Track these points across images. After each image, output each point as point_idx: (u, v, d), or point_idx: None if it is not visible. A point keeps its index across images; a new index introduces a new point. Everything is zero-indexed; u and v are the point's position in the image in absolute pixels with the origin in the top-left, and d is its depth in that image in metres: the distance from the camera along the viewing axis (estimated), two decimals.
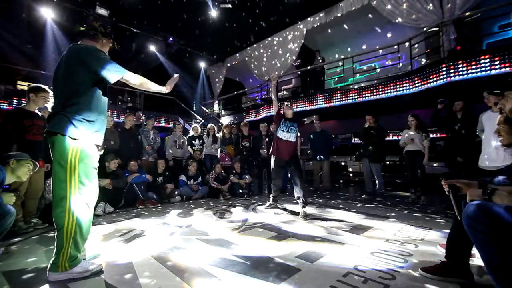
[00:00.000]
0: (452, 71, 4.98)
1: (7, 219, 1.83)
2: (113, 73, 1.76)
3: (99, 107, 1.81)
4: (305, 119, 4.03)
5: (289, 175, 5.66)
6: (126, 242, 2.38)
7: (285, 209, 3.89)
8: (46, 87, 2.95)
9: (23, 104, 3.01)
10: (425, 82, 5.47)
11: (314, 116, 4.13)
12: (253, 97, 11.69)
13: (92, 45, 1.85)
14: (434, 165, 5.82)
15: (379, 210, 3.71)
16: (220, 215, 3.52)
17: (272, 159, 3.88)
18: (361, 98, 6.75)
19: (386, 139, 5.42)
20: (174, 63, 11.59)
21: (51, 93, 3.04)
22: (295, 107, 8.04)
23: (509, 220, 1.16)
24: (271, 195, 4.06)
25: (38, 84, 2.96)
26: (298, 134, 3.94)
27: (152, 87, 1.95)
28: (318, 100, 7.66)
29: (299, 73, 9.70)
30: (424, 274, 1.65)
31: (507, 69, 4.45)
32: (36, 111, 2.98)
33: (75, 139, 1.67)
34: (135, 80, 1.85)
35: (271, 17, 8.76)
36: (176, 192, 4.76)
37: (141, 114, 6.33)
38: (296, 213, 3.51)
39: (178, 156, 5.50)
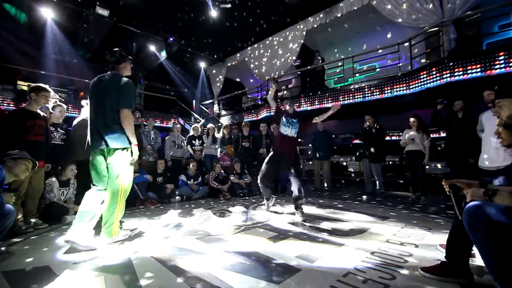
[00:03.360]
0: (452, 71, 4.98)
1: (8, 219, 1.82)
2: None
3: None
4: (317, 118, 3.79)
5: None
6: (126, 242, 2.38)
7: (285, 209, 3.89)
8: (47, 86, 2.95)
9: (25, 105, 2.99)
10: (425, 82, 5.47)
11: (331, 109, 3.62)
12: (253, 97, 11.69)
13: (121, 74, 2.46)
14: (438, 166, 5.82)
15: (379, 210, 3.71)
16: (220, 215, 3.52)
17: (269, 155, 3.72)
18: (361, 98, 6.75)
19: (386, 139, 5.41)
20: (174, 63, 11.60)
21: (52, 92, 3.04)
22: (296, 107, 8.03)
23: (508, 220, 1.16)
24: (264, 197, 3.87)
25: (38, 84, 2.95)
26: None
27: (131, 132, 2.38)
28: (318, 100, 7.66)
29: (299, 73, 9.70)
30: (424, 274, 1.65)
31: (507, 69, 4.45)
32: (38, 110, 2.98)
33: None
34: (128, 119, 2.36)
35: (271, 17, 8.75)
36: (176, 192, 4.76)
37: (140, 115, 6.31)
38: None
39: (178, 156, 5.50)
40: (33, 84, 2.98)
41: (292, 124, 3.59)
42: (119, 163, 2.32)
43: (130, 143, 2.38)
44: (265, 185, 3.72)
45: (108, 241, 2.29)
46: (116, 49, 2.48)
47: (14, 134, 2.77)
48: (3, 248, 2.12)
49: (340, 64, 8.27)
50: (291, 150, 3.57)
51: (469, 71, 4.81)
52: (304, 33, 8.68)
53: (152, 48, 10.42)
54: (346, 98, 7.05)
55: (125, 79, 2.40)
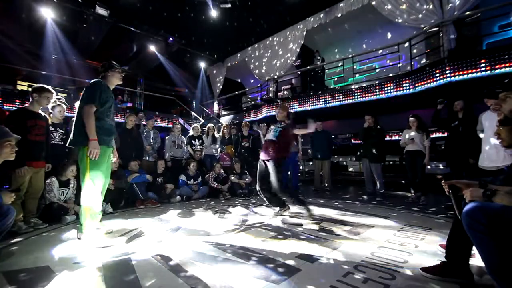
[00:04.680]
0: (452, 71, 4.98)
1: (8, 219, 1.82)
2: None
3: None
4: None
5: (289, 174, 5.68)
6: (126, 242, 2.38)
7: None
8: (49, 87, 2.95)
9: (26, 104, 2.99)
10: (425, 82, 5.47)
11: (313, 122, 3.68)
12: (253, 97, 11.69)
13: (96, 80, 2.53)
14: (440, 166, 5.82)
15: (379, 210, 3.71)
16: (220, 215, 3.52)
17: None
18: (361, 98, 6.75)
19: (386, 139, 5.41)
20: (174, 63, 11.60)
21: (54, 93, 3.04)
22: (295, 108, 8.04)
23: (508, 220, 1.16)
24: (278, 207, 3.49)
25: (41, 84, 2.94)
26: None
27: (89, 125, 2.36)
28: (318, 100, 7.66)
29: (299, 73, 9.71)
30: (424, 274, 1.64)
31: (507, 69, 4.45)
32: (39, 111, 2.98)
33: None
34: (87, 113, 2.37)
35: (271, 17, 8.76)
36: (176, 192, 4.76)
37: (142, 115, 6.34)
38: (296, 213, 3.52)
39: (178, 156, 5.50)
40: (36, 85, 2.97)
41: (274, 130, 3.50)
42: (81, 161, 2.40)
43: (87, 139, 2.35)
44: (271, 194, 3.46)
45: (80, 236, 2.37)
46: (108, 62, 2.65)
47: (15, 134, 2.77)
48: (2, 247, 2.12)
49: (340, 64, 8.27)
50: (264, 153, 3.41)
51: (469, 71, 4.81)
52: (304, 33, 8.68)
53: (152, 48, 10.42)
54: (346, 98, 7.05)
55: (92, 80, 2.51)
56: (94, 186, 2.38)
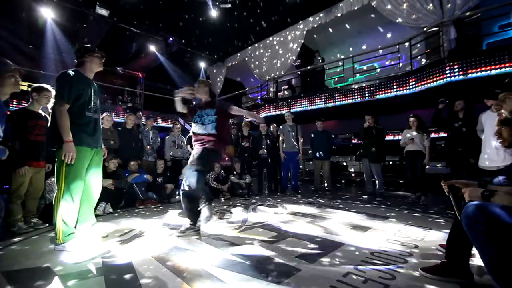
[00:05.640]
0: (452, 71, 4.98)
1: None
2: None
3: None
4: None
5: (289, 173, 5.68)
6: (126, 242, 2.38)
7: (285, 209, 3.89)
8: (48, 86, 2.95)
9: (26, 104, 2.99)
10: (425, 82, 5.47)
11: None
12: (253, 97, 11.69)
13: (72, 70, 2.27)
14: (438, 166, 5.82)
15: (379, 210, 3.71)
16: (220, 215, 3.52)
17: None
18: (361, 98, 6.75)
19: (386, 139, 5.41)
20: (174, 63, 11.60)
21: (53, 92, 3.04)
22: (295, 108, 8.04)
23: (508, 220, 1.16)
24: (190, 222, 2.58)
25: (41, 84, 2.95)
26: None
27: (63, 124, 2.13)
28: (319, 100, 7.66)
29: (299, 73, 9.71)
30: (424, 274, 1.64)
31: (507, 69, 4.45)
32: (40, 111, 2.98)
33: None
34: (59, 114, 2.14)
35: (271, 17, 8.75)
36: (176, 192, 4.76)
37: (141, 114, 6.34)
38: (296, 213, 3.52)
39: (178, 156, 5.49)
40: (35, 85, 2.98)
41: (204, 120, 2.78)
42: (56, 166, 2.19)
43: (62, 141, 2.11)
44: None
45: (57, 247, 2.12)
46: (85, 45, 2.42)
47: (16, 134, 2.77)
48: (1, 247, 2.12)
49: (340, 64, 8.27)
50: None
51: (469, 71, 4.81)
52: (304, 33, 8.68)
53: (152, 48, 10.41)
54: (346, 98, 7.05)
55: (59, 74, 2.25)
56: (69, 199, 2.11)
